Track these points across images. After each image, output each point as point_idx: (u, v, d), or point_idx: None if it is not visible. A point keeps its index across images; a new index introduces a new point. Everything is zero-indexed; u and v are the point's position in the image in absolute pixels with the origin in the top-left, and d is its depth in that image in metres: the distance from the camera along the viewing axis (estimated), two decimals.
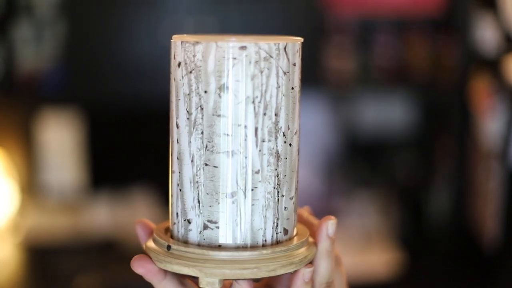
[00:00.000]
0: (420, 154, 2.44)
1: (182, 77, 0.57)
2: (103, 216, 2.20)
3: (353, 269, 2.02)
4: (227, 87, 0.55)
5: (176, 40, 0.57)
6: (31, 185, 2.33)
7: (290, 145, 0.57)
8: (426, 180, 2.36)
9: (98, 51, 2.16)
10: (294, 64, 0.57)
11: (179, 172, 0.58)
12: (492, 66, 1.96)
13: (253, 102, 0.55)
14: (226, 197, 0.56)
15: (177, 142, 0.58)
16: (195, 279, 0.57)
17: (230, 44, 0.54)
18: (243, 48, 0.54)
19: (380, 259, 2.05)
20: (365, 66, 2.24)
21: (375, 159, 2.46)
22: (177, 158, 0.58)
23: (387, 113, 2.46)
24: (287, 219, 0.58)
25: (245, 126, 0.55)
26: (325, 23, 2.21)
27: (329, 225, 0.59)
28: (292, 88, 0.57)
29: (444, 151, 2.29)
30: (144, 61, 2.16)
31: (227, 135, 0.55)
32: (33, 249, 2.09)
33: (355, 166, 2.41)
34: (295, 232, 0.60)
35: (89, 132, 2.33)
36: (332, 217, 0.60)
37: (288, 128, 0.57)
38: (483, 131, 2.01)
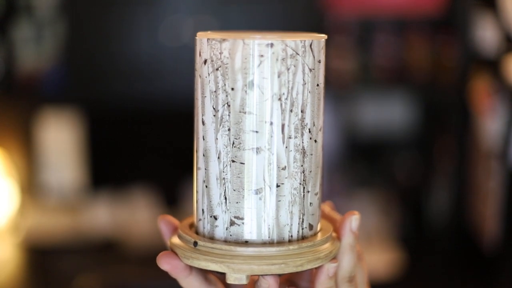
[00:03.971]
0: (420, 154, 2.44)
1: (209, 74, 0.56)
2: (103, 216, 2.20)
3: None
4: (254, 84, 0.55)
5: (202, 38, 0.57)
6: (31, 185, 2.33)
7: (315, 141, 0.58)
8: (426, 180, 2.36)
9: (98, 51, 2.16)
10: (319, 61, 0.57)
11: (205, 169, 0.58)
12: (492, 66, 1.96)
13: (280, 99, 0.55)
14: (253, 193, 0.56)
15: (203, 139, 0.58)
16: (220, 275, 0.57)
17: (257, 42, 0.55)
18: (270, 45, 0.55)
19: (380, 259, 2.05)
20: (365, 66, 2.24)
21: (375, 159, 2.46)
22: (203, 155, 0.58)
23: (387, 113, 2.46)
24: (312, 214, 0.59)
25: (271, 123, 0.56)
26: (325, 23, 2.21)
27: (353, 220, 0.60)
28: (317, 85, 0.57)
29: (444, 151, 2.29)
30: (144, 61, 2.16)
31: (254, 132, 0.56)
32: (33, 249, 2.09)
33: (355, 166, 2.42)
34: (319, 227, 0.60)
35: (89, 132, 2.33)
36: (356, 212, 0.60)
37: (314, 125, 0.57)
38: (483, 131, 2.01)
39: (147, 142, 2.40)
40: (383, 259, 2.05)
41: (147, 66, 2.16)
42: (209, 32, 0.58)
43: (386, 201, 2.33)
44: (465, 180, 2.19)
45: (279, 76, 0.55)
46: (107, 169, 2.38)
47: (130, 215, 2.20)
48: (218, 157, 0.57)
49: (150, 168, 2.37)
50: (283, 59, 0.55)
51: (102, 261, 2.03)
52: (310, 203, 0.58)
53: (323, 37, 0.58)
